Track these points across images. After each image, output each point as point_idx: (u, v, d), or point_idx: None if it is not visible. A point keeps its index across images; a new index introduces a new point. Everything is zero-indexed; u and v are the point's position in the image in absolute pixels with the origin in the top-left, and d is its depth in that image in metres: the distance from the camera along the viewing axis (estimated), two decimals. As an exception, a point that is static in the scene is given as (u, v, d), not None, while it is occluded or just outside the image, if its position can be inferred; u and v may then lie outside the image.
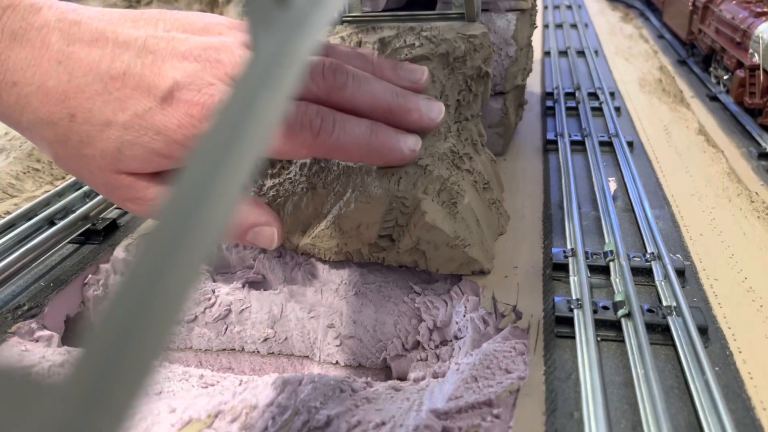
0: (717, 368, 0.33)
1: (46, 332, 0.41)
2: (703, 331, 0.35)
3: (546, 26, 1.10)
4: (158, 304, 0.08)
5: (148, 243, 0.09)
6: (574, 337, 0.35)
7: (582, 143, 0.61)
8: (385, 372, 0.44)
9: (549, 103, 0.72)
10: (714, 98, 0.73)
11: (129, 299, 0.08)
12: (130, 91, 0.33)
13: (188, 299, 0.08)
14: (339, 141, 0.36)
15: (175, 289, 0.08)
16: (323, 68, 0.36)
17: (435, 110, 0.40)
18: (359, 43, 0.45)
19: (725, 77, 0.74)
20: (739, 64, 0.68)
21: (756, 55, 0.64)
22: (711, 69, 0.79)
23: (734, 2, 0.73)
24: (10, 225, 0.49)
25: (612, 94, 0.74)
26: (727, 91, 0.72)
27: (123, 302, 0.08)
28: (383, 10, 0.52)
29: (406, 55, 0.44)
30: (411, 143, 0.39)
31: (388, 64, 0.41)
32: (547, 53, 0.94)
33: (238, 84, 0.11)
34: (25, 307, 0.42)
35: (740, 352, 0.34)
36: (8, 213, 0.52)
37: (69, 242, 0.50)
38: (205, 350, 0.46)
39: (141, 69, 0.33)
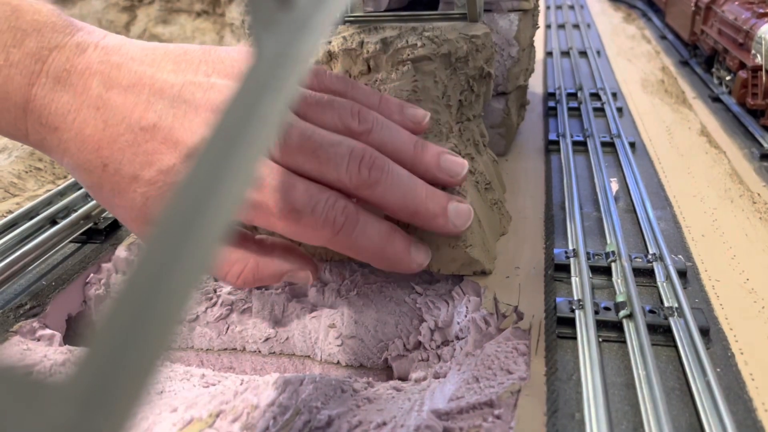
0: (719, 369, 0.33)
1: (48, 331, 0.41)
2: (704, 332, 0.35)
3: (548, 27, 1.10)
4: (161, 304, 0.08)
5: (152, 243, 0.09)
6: (575, 338, 0.35)
7: (584, 144, 0.61)
8: (386, 372, 0.44)
9: (551, 104, 0.72)
10: (716, 99, 0.73)
11: (132, 299, 0.08)
12: (158, 145, 0.32)
13: (190, 299, 0.09)
14: (355, 244, 0.35)
15: (178, 289, 0.08)
16: (361, 159, 0.34)
17: (462, 218, 0.38)
18: (361, 44, 0.45)
19: (728, 78, 0.74)
20: (742, 65, 0.68)
21: (758, 56, 0.64)
22: (713, 70, 0.79)
23: (737, 3, 0.73)
24: (12, 224, 0.49)
25: (614, 95, 0.74)
26: (730, 92, 0.72)
27: (126, 302, 0.08)
28: (385, 10, 0.52)
29: (408, 55, 0.44)
30: (421, 258, 0.38)
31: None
32: (549, 54, 0.94)
33: (241, 85, 0.11)
34: (27, 306, 0.43)
35: (742, 353, 0.34)
36: (10, 212, 0.52)
37: (71, 241, 0.50)
38: (207, 350, 0.46)
39: (171, 121, 0.33)
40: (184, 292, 0.08)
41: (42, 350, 0.40)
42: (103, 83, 0.33)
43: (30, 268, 0.46)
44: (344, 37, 0.45)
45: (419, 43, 0.44)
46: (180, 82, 0.33)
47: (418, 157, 0.37)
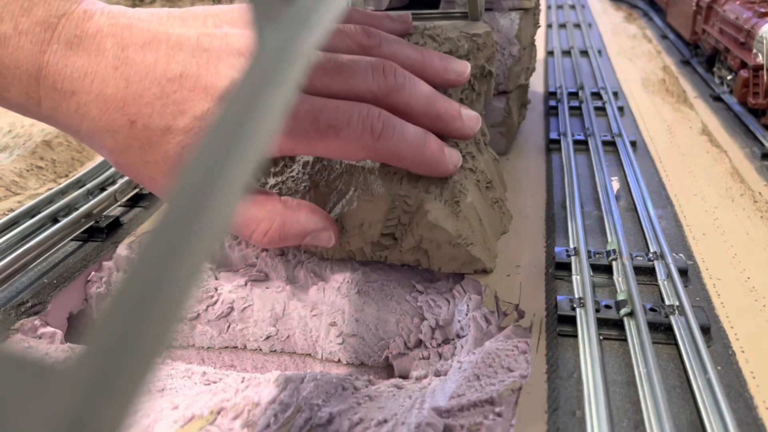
0: (719, 367, 0.33)
1: (49, 329, 0.42)
2: (705, 330, 0.35)
3: (549, 26, 1.10)
4: (164, 294, 0.08)
5: (154, 234, 0.09)
6: (576, 336, 0.35)
7: (585, 143, 0.61)
8: (387, 370, 0.44)
9: (552, 103, 0.72)
10: (717, 98, 0.73)
11: (135, 290, 0.08)
12: (188, 93, 0.33)
13: (193, 289, 0.09)
14: (396, 147, 0.36)
15: (180, 280, 0.08)
16: (383, 68, 0.36)
17: (473, 120, 0.41)
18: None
19: (729, 77, 0.73)
20: (743, 65, 0.68)
21: (760, 55, 0.64)
22: (714, 69, 0.79)
23: (738, 2, 0.73)
24: (14, 222, 0.49)
25: (615, 94, 0.74)
26: (731, 92, 0.72)
27: (129, 292, 0.08)
28: (386, 9, 0.52)
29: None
30: (456, 158, 0.40)
31: (436, 54, 0.41)
32: (550, 53, 0.94)
33: (243, 79, 0.11)
34: (29, 304, 0.43)
35: (743, 351, 0.34)
36: (12, 210, 0.52)
37: (72, 240, 0.50)
38: (208, 348, 0.46)
39: (197, 69, 0.33)
40: (187, 281, 0.08)
41: (43, 348, 0.40)
42: (117, 44, 0.33)
43: (31, 266, 0.46)
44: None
45: (420, 42, 0.44)
46: (195, 34, 0.34)
47: (428, 62, 0.40)
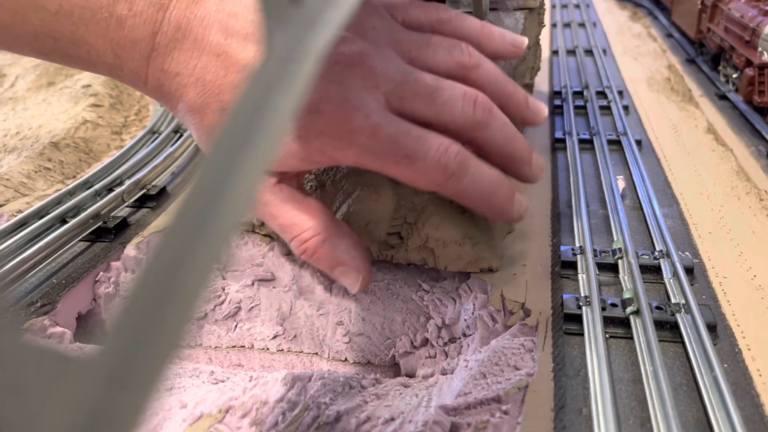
0: (726, 365, 0.33)
1: (58, 329, 0.42)
2: (711, 328, 0.35)
3: (554, 25, 1.10)
4: (180, 288, 0.08)
5: (168, 231, 0.09)
6: (582, 334, 0.35)
7: (590, 142, 0.61)
8: (393, 369, 0.44)
9: (557, 102, 0.72)
10: (723, 97, 0.73)
11: (152, 284, 0.08)
12: None
13: (207, 283, 0.09)
14: (466, 189, 0.36)
15: (195, 275, 0.08)
16: (476, 101, 0.36)
17: (540, 168, 0.41)
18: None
19: (734, 76, 0.73)
20: (748, 63, 0.68)
21: (765, 53, 0.64)
22: (720, 68, 0.79)
23: (743, 1, 0.73)
24: (23, 223, 0.50)
25: (620, 93, 0.74)
26: (736, 90, 0.72)
27: (147, 286, 0.08)
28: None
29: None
30: (523, 209, 0.39)
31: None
32: (555, 52, 0.94)
33: (252, 80, 0.11)
34: (38, 304, 0.43)
35: (749, 349, 0.34)
36: (20, 211, 0.53)
37: (80, 240, 0.50)
38: (215, 347, 0.46)
39: None
40: (202, 275, 0.08)
41: (53, 347, 0.40)
42: (221, 31, 0.34)
43: (40, 267, 0.47)
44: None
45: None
46: None
47: (513, 97, 0.40)
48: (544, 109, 0.41)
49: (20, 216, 0.50)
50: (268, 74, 0.12)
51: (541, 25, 0.61)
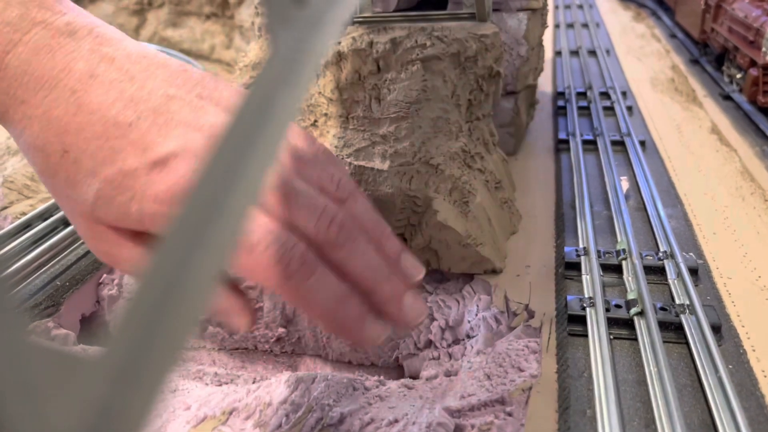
0: (730, 366, 0.33)
1: (62, 331, 0.42)
2: (716, 329, 0.35)
3: (557, 26, 1.10)
4: (186, 287, 0.08)
5: (174, 232, 0.09)
6: (586, 336, 0.35)
7: (594, 143, 0.61)
8: (397, 371, 0.44)
9: (560, 103, 0.72)
10: (727, 97, 0.73)
11: (156, 285, 0.08)
12: (126, 144, 0.30)
13: (213, 285, 0.09)
14: (307, 295, 0.31)
15: (200, 277, 0.08)
16: (332, 220, 0.32)
17: (415, 312, 0.33)
18: (371, 44, 0.45)
19: (738, 76, 0.73)
20: (752, 63, 0.68)
21: (769, 53, 0.64)
22: (724, 68, 0.79)
23: (747, 1, 0.73)
24: (27, 225, 0.50)
25: (624, 94, 0.74)
26: (740, 90, 0.72)
27: (152, 285, 0.08)
28: (394, 11, 0.53)
29: (418, 54, 0.44)
30: (376, 333, 0.32)
31: (396, 247, 0.34)
32: (558, 53, 0.94)
33: (259, 79, 0.11)
34: (42, 306, 0.43)
35: (754, 350, 0.34)
36: (24, 214, 0.53)
37: (83, 242, 0.50)
38: (219, 349, 0.46)
39: (149, 126, 0.31)
40: (209, 278, 0.08)
41: (57, 349, 0.40)
42: (88, 69, 0.31)
43: (44, 269, 0.47)
44: (353, 38, 0.46)
45: (428, 43, 0.44)
46: (171, 94, 0.32)
47: (384, 243, 0.34)
48: (419, 272, 0.34)
49: (24, 218, 0.50)
50: (273, 73, 0.12)
51: (544, 25, 0.61)
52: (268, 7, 0.11)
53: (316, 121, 0.47)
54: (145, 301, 0.08)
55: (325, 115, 0.46)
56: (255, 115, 0.11)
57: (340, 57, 0.45)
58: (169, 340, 0.07)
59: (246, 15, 0.89)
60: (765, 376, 0.32)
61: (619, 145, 0.60)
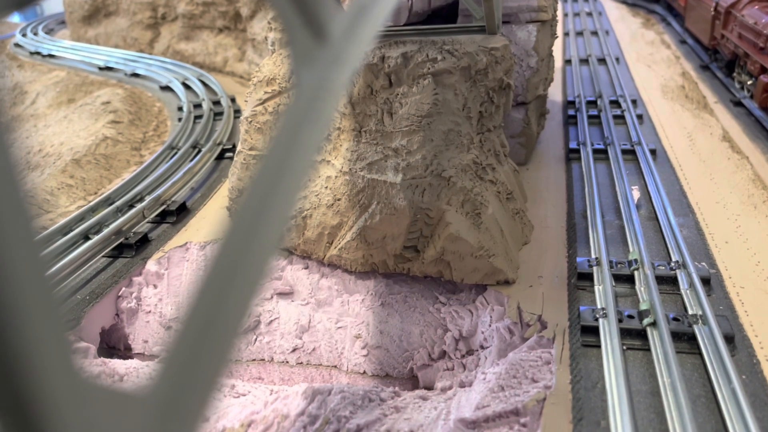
0: (744, 376, 0.33)
1: (82, 344, 0.43)
2: (729, 339, 0.35)
3: (566, 34, 1.11)
4: (221, 326, 0.08)
5: (212, 269, 0.10)
6: (599, 346, 0.35)
7: (605, 152, 0.61)
8: (411, 381, 0.44)
9: (571, 112, 0.72)
10: (738, 103, 0.73)
11: (197, 320, 0.09)
12: None
13: (245, 320, 0.09)
14: None
15: (236, 311, 0.09)
16: None
17: None
18: (382, 58, 0.45)
19: (749, 82, 0.73)
20: (763, 69, 0.68)
21: (780, 60, 0.64)
22: (734, 74, 0.79)
23: (757, 7, 0.73)
24: (47, 240, 0.51)
25: (634, 102, 0.75)
26: (752, 96, 0.72)
27: (192, 322, 0.09)
28: (405, 25, 0.53)
29: (429, 68, 0.44)
30: None
31: None
32: (568, 62, 0.94)
33: (284, 116, 0.12)
34: (63, 320, 0.44)
35: (768, 360, 0.34)
36: (44, 228, 0.54)
37: (103, 256, 0.51)
38: (235, 361, 0.47)
39: None
40: (242, 311, 0.09)
41: (77, 363, 0.41)
42: None
43: (65, 283, 0.48)
44: (365, 53, 0.46)
45: (439, 57, 0.45)
46: None
47: None
48: None
49: (45, 233, 0.52)
50: (297, 110, 0.12)
51: (553, 36, 0.61)
52: (290, 47, 0.12)
53: (329, 135, 0.48)
54: (185, 340, 0.08)
55: (338, 128, 0.47)
56: (283, 150, 0.11)
57: (352, 72, 0.46)
58: (208, 375, 0.08)
59: (258, 28, 0.91)
60: (778, 387, 0.32)
61: (630, 153, 0.61)
